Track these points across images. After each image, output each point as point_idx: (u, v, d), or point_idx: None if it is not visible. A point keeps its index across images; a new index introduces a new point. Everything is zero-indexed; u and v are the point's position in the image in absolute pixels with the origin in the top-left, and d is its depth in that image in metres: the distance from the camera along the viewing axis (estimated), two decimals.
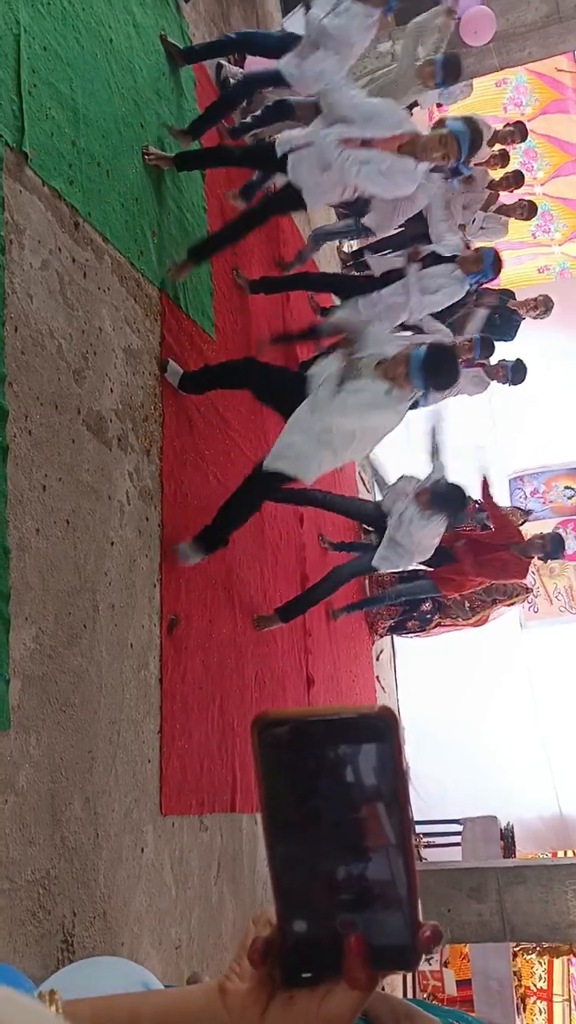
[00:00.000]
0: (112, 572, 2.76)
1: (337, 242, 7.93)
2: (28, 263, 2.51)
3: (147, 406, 3.25)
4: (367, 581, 7.38)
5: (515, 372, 5.41)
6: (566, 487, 8.70)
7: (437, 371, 3.31)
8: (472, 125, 3.94)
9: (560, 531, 6.49)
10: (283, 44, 4.44)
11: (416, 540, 4.85)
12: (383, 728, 0.55)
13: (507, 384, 5.54)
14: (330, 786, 0.56)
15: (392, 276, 4.75)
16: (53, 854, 2.21)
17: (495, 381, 5.50)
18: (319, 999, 0.56)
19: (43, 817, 2.19)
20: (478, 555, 5.57)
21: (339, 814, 0.56)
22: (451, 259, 4.73)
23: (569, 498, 8.49)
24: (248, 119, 4.88)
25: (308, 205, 3.94)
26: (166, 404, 3.43)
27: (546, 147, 9.09)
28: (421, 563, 6.52)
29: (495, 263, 4.66)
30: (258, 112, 4.76)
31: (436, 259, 4.79)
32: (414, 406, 4.20)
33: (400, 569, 5.36)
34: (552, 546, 5.38)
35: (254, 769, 0.57)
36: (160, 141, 3.83)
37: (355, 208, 5.20)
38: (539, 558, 5.53)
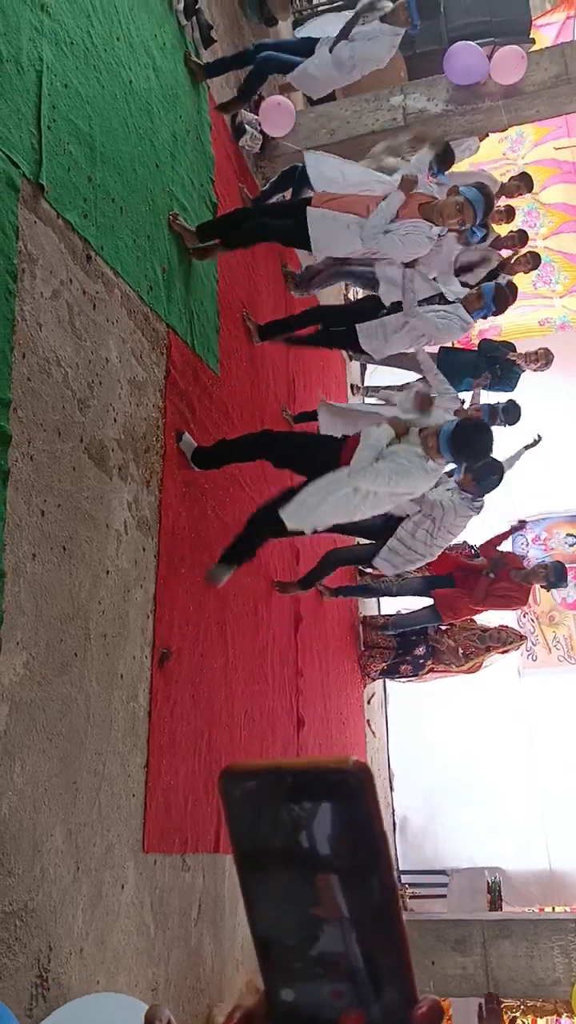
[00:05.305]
0: (106, 601, 2.76)
1: (344, 287, 8.06)
2: (39, 292, 2.55)
3: (149, 437, 3.27)
4: (360, 626, 7.35)
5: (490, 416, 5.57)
6: (567, 534, 8.65)
7: (464, 446, 3.32)
8: (485, 191, 4.07)
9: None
10: (301, 52, 4.74)
11: (450, 530, 4.84)
12: (356, 784, 0.51)
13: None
14: (291, 851, 0.52)
15: (397, 307, 4.79)
16: (32, 886, 2.17)
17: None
18: None
19: (24, 847, 2.15)
20: (486, 585, 5.60)
21: (299, 881, 0.52)
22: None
23: (571, 545, 8.45)
24: (267, 186, 5.19)
25: (313, 251, 4.04)
26: (168, 436, 3.45)
27: (547, 208, 9.33)
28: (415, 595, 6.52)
29: (497, 297, 4.71)
30: (274, 178, 5.08)
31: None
32: None
33: (400, 571, 5.34)
34: (555, 575, 5.38)
35: (225, 825, 0.53)
36: (173, 200, 3.90)
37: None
38: (542, 586, 5.55)
